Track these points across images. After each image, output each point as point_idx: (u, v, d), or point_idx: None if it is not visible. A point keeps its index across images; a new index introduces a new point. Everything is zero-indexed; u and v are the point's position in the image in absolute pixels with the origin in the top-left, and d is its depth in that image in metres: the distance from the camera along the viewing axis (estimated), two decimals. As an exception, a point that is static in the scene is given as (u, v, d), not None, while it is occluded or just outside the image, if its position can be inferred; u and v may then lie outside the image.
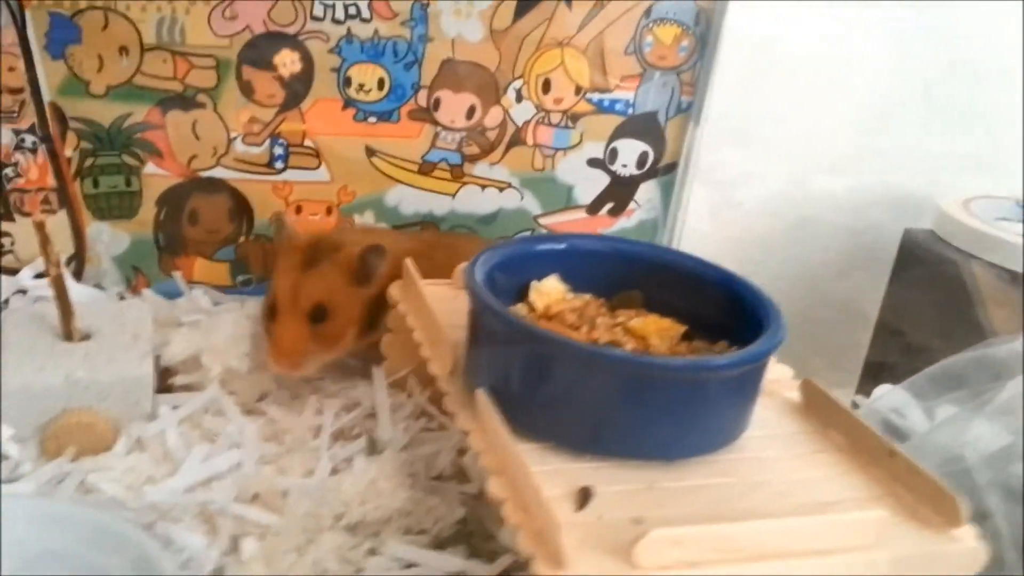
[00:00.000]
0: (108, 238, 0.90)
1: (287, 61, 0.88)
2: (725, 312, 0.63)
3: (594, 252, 0.70)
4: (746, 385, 0.57)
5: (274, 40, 0.87)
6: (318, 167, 0.92)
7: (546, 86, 0.96)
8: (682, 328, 0.64)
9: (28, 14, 0.81)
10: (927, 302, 1.06)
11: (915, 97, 1.09)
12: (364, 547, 0.64)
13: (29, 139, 0.85)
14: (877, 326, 1.13)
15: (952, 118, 1.11)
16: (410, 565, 0.63)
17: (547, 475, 0.53)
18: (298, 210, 0.94)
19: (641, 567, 0.47)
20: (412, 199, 0.97)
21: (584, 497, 0.52)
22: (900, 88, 1.08)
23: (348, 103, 0.91)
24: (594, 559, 0.47)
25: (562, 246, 0.69)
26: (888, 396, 0.80)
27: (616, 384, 0.54)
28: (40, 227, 0.69)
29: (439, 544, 0.66)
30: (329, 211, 0.95)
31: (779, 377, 0.68)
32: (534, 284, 0.68)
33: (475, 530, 0.68)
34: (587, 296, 0.69)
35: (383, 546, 0.64)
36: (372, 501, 0.66)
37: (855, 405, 0.83)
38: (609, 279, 0.69)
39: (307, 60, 0.88)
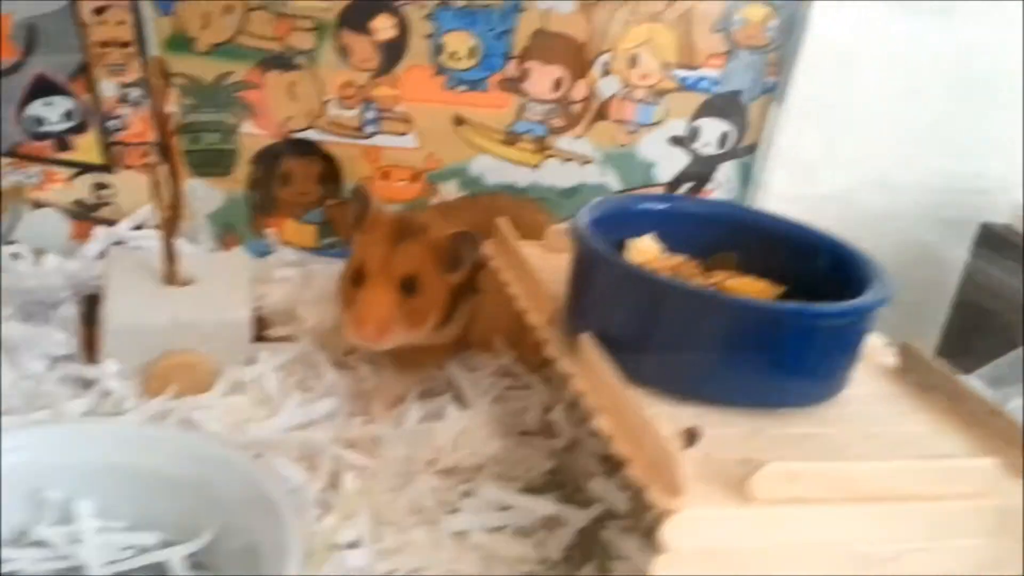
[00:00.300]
0: (203, 194, 0.92)
1: (384, 26, 0.90)
2: (824, 275, 0.64)
3: (691, 214, 0.71)
4: (851, 338, 0.57)
5: (372, 5, 0.89)
6: (407, 134, 0.94)
7: (633, 61, 0.97)
8: (779, 290, 0.65)
9: (140, -32, 0.84)
10: (1003, 295, 1.06)
11: (996, 88, 1.08)
12: (459, 489, 0.65)
13: (134, 92, 0.87)
14: (950, 319, 1.12)
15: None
16: (504, 508, 0.64)
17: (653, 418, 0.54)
18: (385, 176, 0.96)
19: (756, 500, 0.47)
20: (496, 169, 0.98)
21: (691, 436, 0.53)
22: (982, 79, 1.08)
23: (440, 70, 0.93)
24: (709, 489, 0.48)
25: (662, 206, 0.70)
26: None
27: (724, 328, 0.54)
28: (154, 170, 0.72)
29: (531, 491, 0.66)
30: (415, 178, 0.97)
31: (873, 344, 0.68)
32: (630, 242, 0.68)
33: (565, 481, 0.69)
34: (681, 256, 0.69)
35: (477, 489, 0.65)
36: (464, 448, 0.68)
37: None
38: (705, 241, 0.70)
39: (403, 26, 0.90)
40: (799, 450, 0.53)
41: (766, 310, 0.55)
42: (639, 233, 0.69)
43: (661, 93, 0.99)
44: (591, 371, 0.57)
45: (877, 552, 0.49)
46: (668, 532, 0.46)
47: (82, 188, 0.89)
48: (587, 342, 0.58)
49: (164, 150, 0.87)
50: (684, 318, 0.55)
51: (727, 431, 0.54)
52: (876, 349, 0.68)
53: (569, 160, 1.00)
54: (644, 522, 0.63)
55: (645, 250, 0.68)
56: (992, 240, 1.09)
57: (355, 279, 0.73)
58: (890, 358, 0.66)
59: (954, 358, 1.04)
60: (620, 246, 0.68)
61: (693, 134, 1.02)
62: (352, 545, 0.59)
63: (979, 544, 0.51)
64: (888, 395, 0.61)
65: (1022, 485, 0.52)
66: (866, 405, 0.59)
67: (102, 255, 0.88)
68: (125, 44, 0.85)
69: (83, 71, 0.86)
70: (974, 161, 1.12)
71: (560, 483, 0.69)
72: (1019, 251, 1.01)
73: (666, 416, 0.55)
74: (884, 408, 0.59)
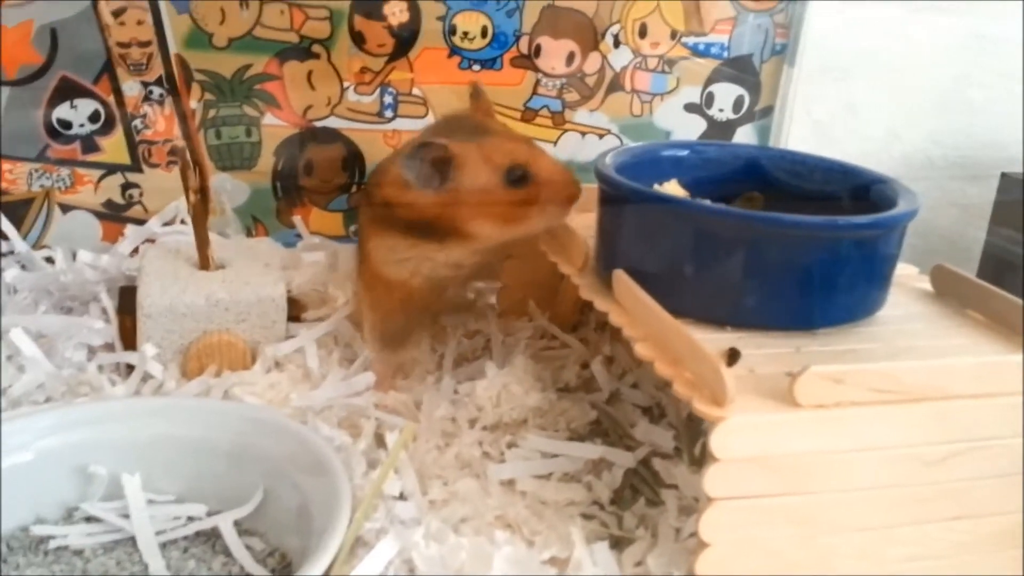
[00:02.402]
0: (231, 187, 0.93)
1: (396, 10, 0.91)
2: (850, 204, 0.64)
3: (713, 159, 0.71)
4: (884, 252, 0.57)
5: (384, -10, 0.90)
6: (425, 115, 0.95)
7: (643, 31, 0.98)
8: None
9: (156, -31, 0.86)
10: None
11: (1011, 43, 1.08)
12: (504, 441, 0.65)
13: (157, 91, 0.89)
14: (980, 267, 1.12)
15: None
16: (550, 456, 0.64)
17: (692, 343, 0.54)
18: (406, 160, 0.96)
19: (801, 404, 0.47)
20: (515, 147, 0.99)
21: (732, 356, 0.53)
22: (994, 36, 1.08)
23: (453, 51, 0.94)
24: (754, 399, 0.48)
25: (683, 152, 0.70)
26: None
27: (755, 248, 0.55)
28: (182, 153, 0.73)
29: (577, 439, 0.67)
30: (435, 161, 0.97)
31: (907, 272, 0.68)
32: (656, 187, 0.69)
33: (609, 429, 0.69)
34: (707, 201, 0.70)
35: (522, 440, 0.65)
36: (506, 403, 0.68)
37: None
38: (730, 183, 0.70)
39: (415, 9, 0.91)
40: (842, 363, 0.53)
41: (795, 224, 0.54)
42: (662, 179, 0.70)
43: (672, 61, 0.99)
44: (627, 302, 0.58)
45: (925, 454, 0.49)
46: (717, 440, 0.46)
47: (111, 189, 0.91)
48: (621, 276, 0.59)
49: (189, 146, 0.89)
50: (712, 241, 0.55)
51: (767, 351, 0.54)
52: (910, 276, 0.68)
53: (587, 133, 1.00)
54: (691, 452, 0.63)
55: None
56: (1014, 190, 1.09)
57: (511, 180, 0.67)
58: (925, 284, 0.66)
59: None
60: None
61: (708, 100, 1.02)
62: (400, 497, 0.59)
63: (1028, 442, 0.51)
64: (926, 314, 0.61)
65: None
66: (905, 323, 0.59)
67: (134, 253, 0.89)
68: (145, 43, 0.87)
69: (106, 72, 0.87)
70: (989, 118, 1.12)
71: (604, 431, 0.69)
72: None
73: (705, 342, 0.55)
74: (923, 326, 0.59)
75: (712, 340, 0.55)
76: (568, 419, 0.68)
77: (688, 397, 0.48)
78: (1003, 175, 1.10)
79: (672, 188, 0.69)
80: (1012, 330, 0.58)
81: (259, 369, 0.73)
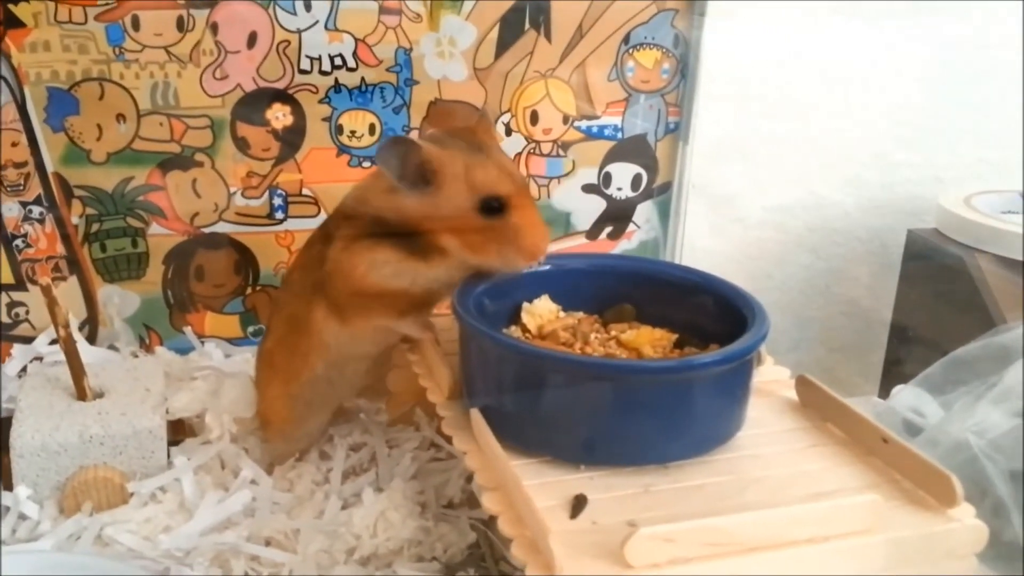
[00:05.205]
0: (119, 300, 0.92)
1: (279, 115, 0.91)
2: (714, 316, 0.64)
3: (579, 270, 0.71)
4: (735, 383, 0.58)
5: (265, 96, 0.90)
6: (318, 214, 0.95)
7: (534, 118, 0.98)
8: (674, 336, 0.65)
9: (27, 90, 0.84)
10: (936, 299, 1.06)
11: (909, 99, 1.10)
12: (376, 576, 0.65)
13: (36, 210, 0.88)
14: (892, 327, 1.13)
15: (952, 118, 1.11)
16: (422, 591, 0.64)
17: (542, 487, 0.54)
18: (302, 258, 0.96)
19: (633, 566, 0.47)
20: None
21: (578, 505, 0.52)
22: (891, 93, 1.09)
23: (342, 150, 0.94)
24: (587, 563, 0.48)
25: (546, 267, 0.70)
26: (903, 394, 0.80)
27: (601, 391, 0.54)
28: (47, 290, 0.72)
29: (451, 569, 0.66)
30: (332, 257, 0.97)
31: (777, 378, 0.68)
32: (525, 305, 0.69)
33: (487, 554, 0.68)
34: (580, 314, 0.70)
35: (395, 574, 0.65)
36: (383, 533, 0.67)
37: (874, 407, 0.83)
38: (600, 295, 0.70)
39: (298, 112, 0.91)
40: (687, 506, 0.53)
41: (635, 369, 0.55)
42: (531, 296, 0.69)
43: (567, 145, 1.00)
44: (479, 446, 0.57)
45: (768, 603, 0.49)
46: (547, 612, 0.46)
47: (-5, 309, 0.90)
48: (475, 416, 0.58)
49: (73, 262, 0.89)
50: (556, 384, 0.55)
51: (616, 494, 0.54)
52: (781, 384, 0.68)
53: (485, 221, 1.00)
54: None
55: (541, 312, 0.68)
56: (920, 246, 1.10)
57: (485, 208, 0.64)
58: (791, 392, 0.66)
59: (900, 373, 1.05)
60: (518, 310, 0.69)
61: (606, 180, 1.03)
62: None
63: (875, 579, 0.51)
64: (785, 432, 0.61)
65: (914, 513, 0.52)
66: (760, 447, 0.59)
67: (22, 372, 0.88)
68: (21, 164, 0.86)
69: (-18, 195, 0.86)
70: (896, 174, 1.13)
71: (482, 556, 0.68)
72: (945, 254, 1.01)
73: (556, 484, 0.55)
74: (779, 448, 0.59)
75: (563, 482, 0.55)
76: (445, 545, 0.68)
77: (523, 563, 0.48)
78: (909, 232, 1.11)
79: (544, 304, 0.69)
80: (867, 451, 0.58)
81: (136, 503, 0.72)
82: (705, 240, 1.09)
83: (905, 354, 1.10)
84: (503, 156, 0.68)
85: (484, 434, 0.56)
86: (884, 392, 1.06)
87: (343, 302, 0.70)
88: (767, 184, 1.10)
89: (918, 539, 0.51)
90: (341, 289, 0.70)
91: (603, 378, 0.55)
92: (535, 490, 0.52)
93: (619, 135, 1.01)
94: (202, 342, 0.95)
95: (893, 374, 1.09)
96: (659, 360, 0.59)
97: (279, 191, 0.93)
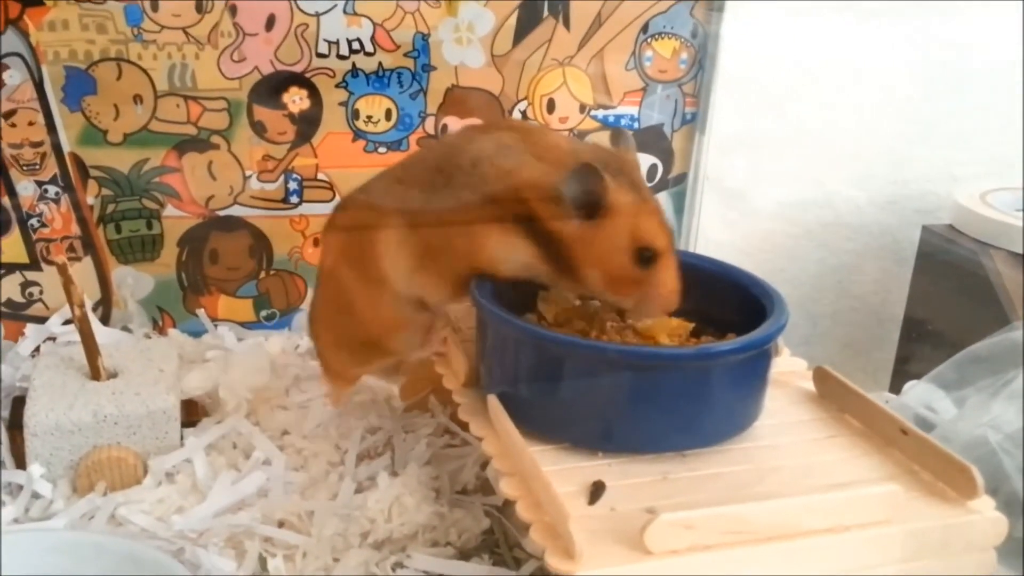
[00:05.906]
0: (133, 281, 0.92)
1: (296, 98, 0.91)
2: (732, 306, 0.64)
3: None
4: (753, 372, 0.57)
5: (282, 79, 0.90)
6: (332, 199, 0.94)
7: (551, 106, 0.98)
8: (690, 325, 0.65)
9: (45, 69, 0.84)
10: (950, 295, 1.06)
11: (923, 95, 1.09)
12: (390, 561, 0.65)
13: (52, 189, 0.88)
14: (904, 323, 1.12)
15: (966, 115, 1.11)
16: (436, 576, 0.64)
17: (561, 473, 0.54)
18: (316, 243, 0.96)
19: (652, 552, 0.47)
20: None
21: (596, 491, 0.52)
22: (907, 87, 1.09)
23: (358, 135, 0.93)
24: (606, 548, 0.48)
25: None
26: (916, 390, 0.80)
27: (620, 378, 0.54)
28: (63, 269, 0.72)
29: (465, 555, 0.66)
30: (346, 242, 0.97)
31: (794, 369, 0.68)
32: (542, 294, 0.68)
33: (501, 540, 0.68)
34: (596, 303, 0.69)
35: (409, 559, 0.64)
36: (397, 518, 0.67)
37: (886, 402, 0.83)
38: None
39: (315, 96, 0.91)
40: (705, 494, 0.53)
41: (656, 356, 0.54)
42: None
43: (583, 134, 0.99)
44: (496, 432, 0.57)
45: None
46: (566, 596, 0.46)
47: (10, 288, 0.90)
48: (492, 402, 0.58)
49: (88, 242, 0.89)
50: (577, 372, 0.55)
51: (634, 481, 0.54)
52: (798, 375, 0.68)
53: (499, 209, 1.00)
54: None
55: (557, 300, 0.68)
56: (935, 242, 1.10)
57: (638, 256, 0.62)
58: (809, 383, 0.66)
59: (912, 368, 1.05)
60: (534, 298, 0.69)
61: (621, 170, 1.02)
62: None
63: (895, 571, 0.51)
64: (803, 423, 0.61)
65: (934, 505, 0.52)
66: (777, 436, 0.59)
67: (35, 352, 0.88)
68: (37, 143, 0.86)
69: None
70: (911, 169, 1.12)
71: (496, 543, 0.68)
72: (960, 250, 1.01)
73: (575, 471, 0.55)
74: (796, 437, 0.59)
75: (582, 469, 0.55)
76: (460, 530, 0.68)
77: (541, 549, 0.48)
78: (924, 228, 1.11)
79: (559, 292, 0.69)
80: (885, 442, 0.58)
81: (150, 483, 0.72)
82: (717, 232, 1.09)
83: (917, 350, 1.10)
84: (657, 202, 0.67)
85: (502, 420, 0.56)
86: (895, 388, 1.06)
87: (442, 263, 0.68)
88: (781, 178, 1.10)
89: (938, 530, 0.51)
90: (454, 251, 0.68)
91: (623, 365, 0.54)
92: (553, 476, 0.52)
93: (635, 125, 1.00)
94: (215, 325, 0.95)
95: (904, 370, 1.09)
96: (679, 347, 0.59)
97: (294, 175, 0.93)
